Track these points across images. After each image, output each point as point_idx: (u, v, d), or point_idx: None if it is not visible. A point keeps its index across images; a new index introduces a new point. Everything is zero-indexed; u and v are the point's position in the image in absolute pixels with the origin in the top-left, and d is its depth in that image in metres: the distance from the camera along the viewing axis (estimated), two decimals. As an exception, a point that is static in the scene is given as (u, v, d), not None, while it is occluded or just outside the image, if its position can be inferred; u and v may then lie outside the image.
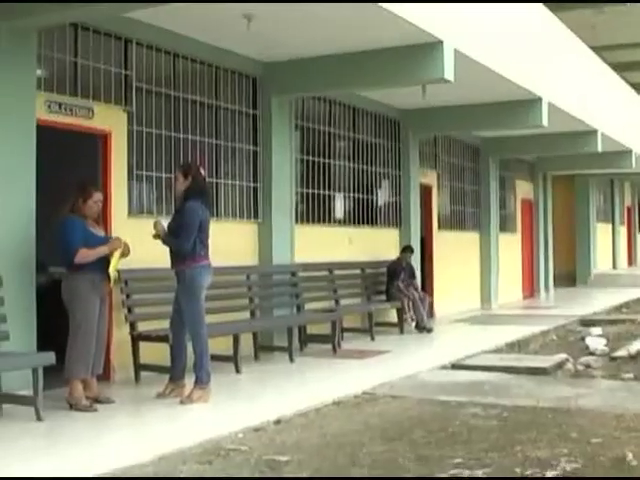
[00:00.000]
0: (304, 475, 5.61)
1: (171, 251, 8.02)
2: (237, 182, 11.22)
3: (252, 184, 11.46)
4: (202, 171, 8.24)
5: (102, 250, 7.69)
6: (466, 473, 5.61)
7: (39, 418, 7.05)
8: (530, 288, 22.42)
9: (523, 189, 22.15)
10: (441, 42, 10.28)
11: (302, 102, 12.51)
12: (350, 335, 12.53)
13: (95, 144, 9.14)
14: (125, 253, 7.92)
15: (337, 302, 12.77)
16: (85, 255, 7.58)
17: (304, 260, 12.07)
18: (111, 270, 7.74)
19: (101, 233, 7.97)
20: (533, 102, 14.06)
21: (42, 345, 7.83)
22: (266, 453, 6.12)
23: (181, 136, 10.18)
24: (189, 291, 7.93)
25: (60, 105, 8.63)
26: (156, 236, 8.05)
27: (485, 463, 5.82)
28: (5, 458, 6.10)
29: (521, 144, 18.59)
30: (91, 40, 9.07)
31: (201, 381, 7.90)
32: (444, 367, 10.14)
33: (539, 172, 22.81)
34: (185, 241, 7.85)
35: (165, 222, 8.17)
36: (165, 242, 8.03)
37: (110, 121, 9.19)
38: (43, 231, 8.09)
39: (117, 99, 9.36)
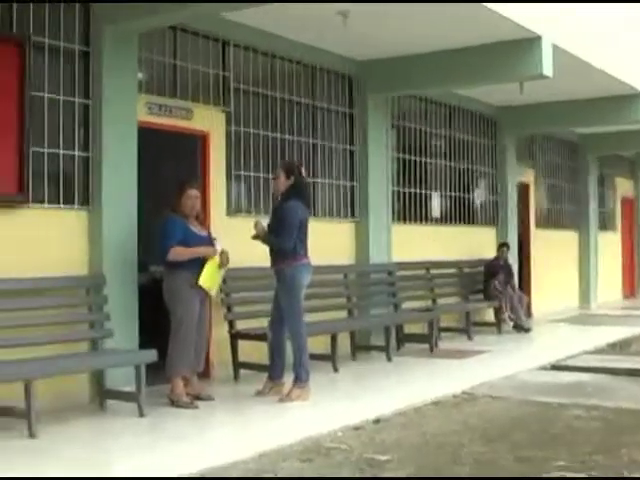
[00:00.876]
0: (405, 474, 5.58)
1: (271, 250, 8.05)
2: (334, 181, 11.24)
3: (349, 183, 11.47)
4: (303, 171, 8.27)
5: (196, 251, 7.72)
6: (570, 475, 5.51)
7: (142, 414, 7.17)
8: (631, 288, 21.93)
9: (623, 187, 21.67)
10: (539, 37, 10.14)
11: (398, 100, 12.47)
12: (447, 335, 12.43)
13: (194, 144, 9.25)
14: (224, 263, 7.92)
15: (434, 301, 12.69)
16: (178, 253, 7.63)
17: (401, 259, 12.02)
18: (202, 281, 7.71)
19: (203, 232, 8.01)
20: (634, 97, 13.75)
21: (144, 343, 7.98)
22: (366, 452, 6.11)
23: (278, 136, 10.26)
24: (289, 290, 7.96)
25: (160, 107, 8.77)
26: (255, 237, 8.07)
27: (589, 465, 5.71)
28: (109, 453, 6.27)
29: (621, 140, 18.12)
30: (189, 42, 9.20)
31: (300, 379, 7.93)
32: (544, 368, 9.98)
33: (640, 169, 22.31)
34: (287, 240, 7.88)
35: (264, 222, 8.21)
36: (265, 242, 8.06)
37: (208, 122, 9.29)
38: (144, 231, 8.25)
39: (215, 100, 9.46)
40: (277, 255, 8.00)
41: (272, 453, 6.02)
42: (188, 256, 7.67)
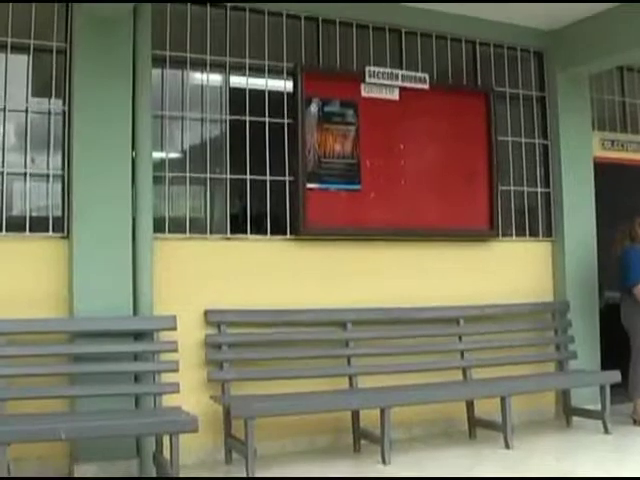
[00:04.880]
0: None
1: None
2: None
3: None
4: None
5: None
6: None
7: (606, 431, 7.54)
8: None
9: None
10: None
11: None
12: None
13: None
14: None
15: None
16: None
17: None
18: None
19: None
20: None
21: (604, 364, 8.42)
22: None
23: None
24: None
25: (613, 142, 9.26)
26: None
27: None
28: (578, 465, 6.55)
29: None
30: (636, 79, 9.61)
31: None
32: None
33: None
34: None
35: None
36: None
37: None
38: (600, 258, 8.68)
39: (668, 130, 9.67)
40: None
41: None
42: None
